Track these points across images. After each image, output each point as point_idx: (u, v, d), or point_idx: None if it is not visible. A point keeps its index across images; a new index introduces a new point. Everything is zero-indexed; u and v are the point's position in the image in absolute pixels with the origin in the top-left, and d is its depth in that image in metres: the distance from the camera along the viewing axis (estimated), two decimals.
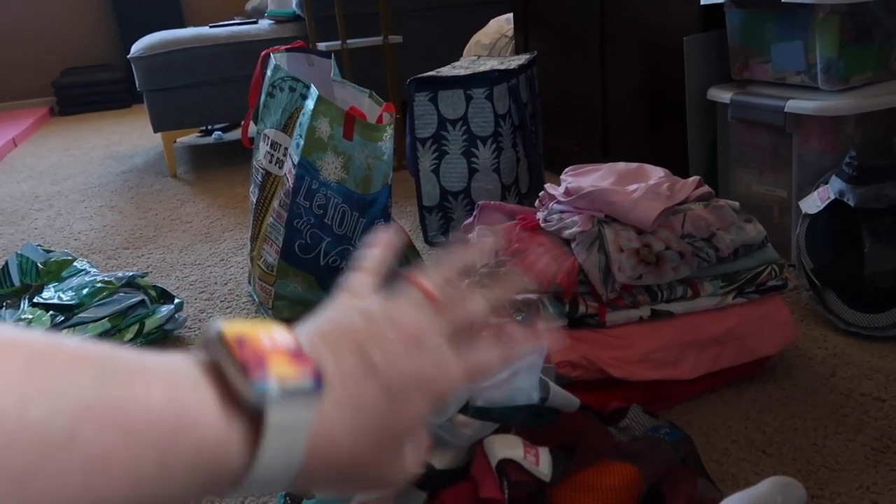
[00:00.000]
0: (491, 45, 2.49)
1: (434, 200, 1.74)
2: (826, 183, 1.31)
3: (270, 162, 1.41)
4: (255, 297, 1.53)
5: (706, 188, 1.08)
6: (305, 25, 2.80)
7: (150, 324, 1.35)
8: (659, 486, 0.78)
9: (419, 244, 1.77)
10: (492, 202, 1.51)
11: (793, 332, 1.06)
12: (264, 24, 2.88)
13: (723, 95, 1.52)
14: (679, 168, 1.76)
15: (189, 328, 1.44)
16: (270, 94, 1.40)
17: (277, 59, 1.43)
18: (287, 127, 1.38)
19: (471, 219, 1.54)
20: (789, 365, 1.11)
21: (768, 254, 1.07)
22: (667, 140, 1.79)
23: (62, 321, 1.33)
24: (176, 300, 1.42)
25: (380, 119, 1.26)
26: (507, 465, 0.69)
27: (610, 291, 0.99)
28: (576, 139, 2.15)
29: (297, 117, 1.35)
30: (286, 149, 1.38)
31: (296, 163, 1.29)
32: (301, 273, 1.37)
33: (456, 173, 1.70)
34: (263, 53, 1.46)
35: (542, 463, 0.70)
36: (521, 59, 1.85)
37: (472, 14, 2.96)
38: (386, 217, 1.33)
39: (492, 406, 0.72)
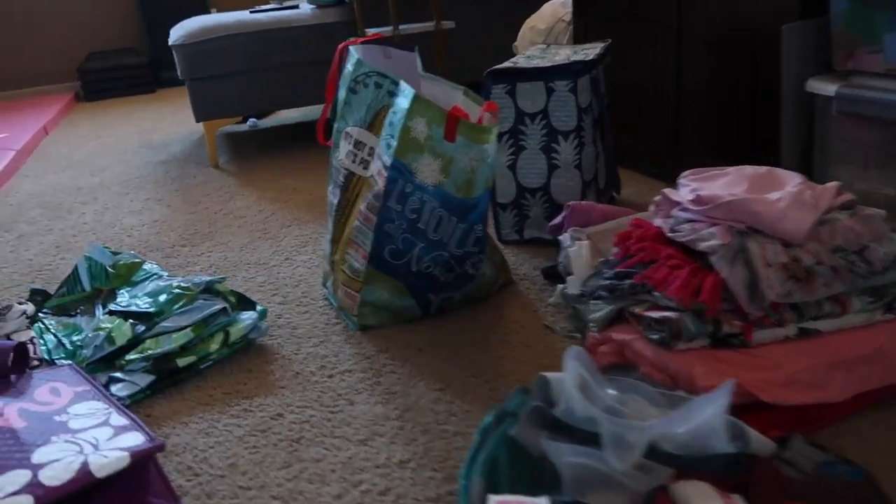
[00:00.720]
0: (547, 31, 2.40)
1: (509, 197, 1.67)
2: None
3: (354, 162, 1.34)
4: (332, 300, 1.47)
5: (848, 195, 1.01)
6: (348, 10, 2.72)
7: (234, 333, 1.30)
8: None
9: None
10: (583, 202, 1.44)
11: None
12: (306, 8, 2.79)
13: (826, 88, 1.44)
14: (770, 164, 1.68)
15: (271, 336, 1.38)
16: (353, 91, 1.32)
17: (357, 53, 1.35)
18: (373, 125, 1.30)
19: (559, 219, 1.48)
20: None
21: None
22: (752, 134, 1.71)
23: (143, 331, 1.28)
24: (258, 307, 1.36)
25: (480, 119, 1.19)
26: None
27: (757, 309, 0.92)
28: (638, 131, 2.06)
29: (385, 115, 1.28)
30: (372, 148, 1.31)
31: (388, 164, 1.22)
32: (390, 279, 1.31)
33: (534, 169, 1.63)
34: (341, 46, 1.39)
35: None
36: (597, 47, 1.76)
37: None
38: (484, 222, 1.26)
39: (684, 453, 0.66)
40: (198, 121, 2.66)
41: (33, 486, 0.81)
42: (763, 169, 1.07)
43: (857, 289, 0.96)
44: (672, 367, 0.95)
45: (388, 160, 1.22)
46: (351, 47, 1.37)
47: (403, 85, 1.21)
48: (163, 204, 2.33)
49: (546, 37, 2.40)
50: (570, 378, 0.72)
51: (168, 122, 3.75)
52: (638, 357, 1.01)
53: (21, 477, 0.82)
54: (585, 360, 0.77)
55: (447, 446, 1.03)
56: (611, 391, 0.78)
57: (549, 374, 0.79)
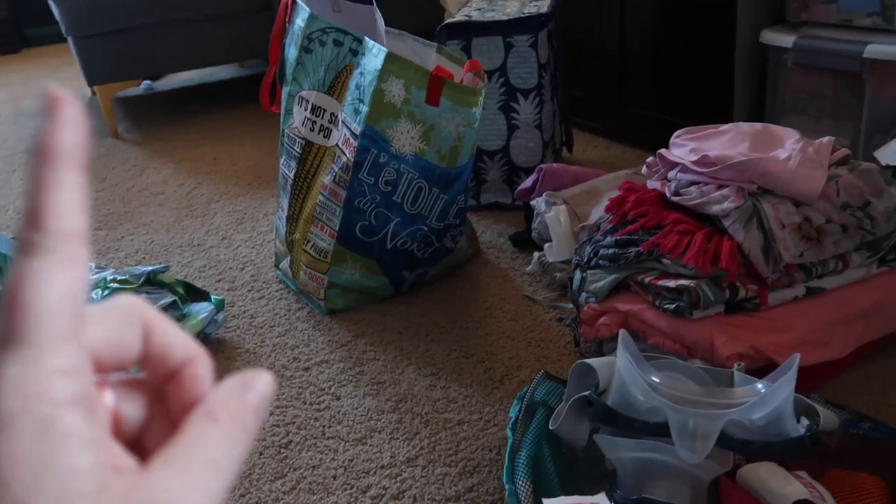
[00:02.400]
0: None
1: None
2: None
3: (312, 130, 1.20)
4: (290, 283, 1.35)
5: (844, 150, 1.00)
6: None
7: (189, 329, 1.15)
8: None
9: None
10: (555, 164, 1.38)
11: None
12: None
13: (782, 39, 1.44)
14: (719, 117, 1.68)
15: (227, 328, 1.25)
16: (306, 49, 1.18)
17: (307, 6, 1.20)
18: (333, 88, 1.17)
19: (528, 182, 1.41)
20: None
21: None
22: (699, 86, 1.70)
23: None
24: (214, 297, 1.21)
25: (462, 80, 1.09)
26: None
27: (773, 272, 0.90)
28: (582, 86, 2.02)
29: (348, 77, 1.15)
30: (333, 114, 1.18)
31: (357, 132, 1.10)
32: (361, 258, 1.20)
33: (493, 131, 1.55)
34: None
35: (826, 498, 0.62)
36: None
37: None
38: (466, 192, 1.17)
39: (759, 439, 0.62)
40: (90, 85, 2.37)
41: None
42: (758, 125, 1.05)
43: (858, 244, 0.96)
44: (689, 337, 0.92)
45: (357, 127, 1.10)
46: (298, 0, 1.21)
47: (370, 42, 1.09)
48: None
49: None
50: (627, 366, 0.67)
51: (43, 87, 3.34)
52: (647, 328, 0.97)
53: None
54: (628, 341, 0.71)
55: (454, 437, 0.96)
56: (654, 372, 0.73)
57: (592, 361, 0.73)
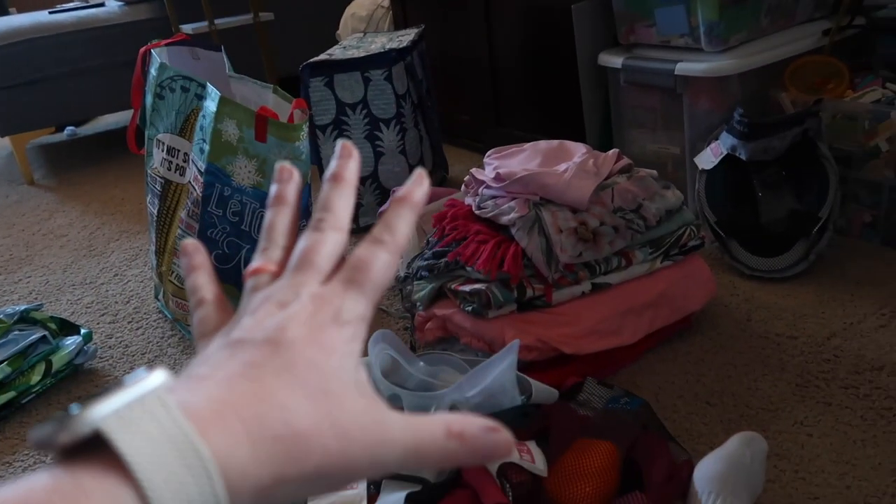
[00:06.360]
0: (368, 18, 2.43)
1: None
2: (716, 139, 1.41)
3: (169, 169, 1.30)
4: (166, 313, 1.44)
5: (626, 160, 1.13)
6: (159, 6, 2.59)
7: (57, 361, 1.23)
8: (632, 455, 0.83)
9: None
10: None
11: (714, 287, 1.15)
12: (113, 6, 2.63)
13: (614, 60, 1.58)
14: (576, 133, 1.82)
15: (101, 358, 1.33)
16: (159, 96, 1.29)
17: (160, 56, 1.31)
18: (184, 130, 1.28)
19: (386, 206, 1.52)
20: (710, 315, 1.21)
21: (685, 216, 1.14)
22: (559, 105, 1.84)
23: None
24: (83, 330, 1.30)
25: (291, 117, 1.20)
26: (506, 467, 0.70)
27: (554, 272, 1.02)
28: (466, 110, 2.15)
29: (195, 119, 1.26)
30: (186, 154, 1.28)
31: (203, 169, 1.20)
32: (222, 285, 1.29)
33: (361, 159, 1.66)
34: (143, 50, 1.34)
35: (536, 459, 0.72)
36: (411, 33, 1.81)
37: None
38: (307, 216, 1.27)
39: (478, 413, 0.73)
40: (2, 135, 2.44)
41: None
42: (555, 142, 1.18)
43: (638, 243, 1.09)
44: (487, 335, 1.03)
45: (202, 165, 1.20)
46: (153, 51, 1.32)
47: (210, 88, 1.20)
48: None
49: (367, 24, 2.42)
50: (374, 362, 0.77)
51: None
52: (458, 329, 1.08)
53: None
54: (394, 340, 0.82)
55: None
56: (422, 365, 0.84)
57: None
